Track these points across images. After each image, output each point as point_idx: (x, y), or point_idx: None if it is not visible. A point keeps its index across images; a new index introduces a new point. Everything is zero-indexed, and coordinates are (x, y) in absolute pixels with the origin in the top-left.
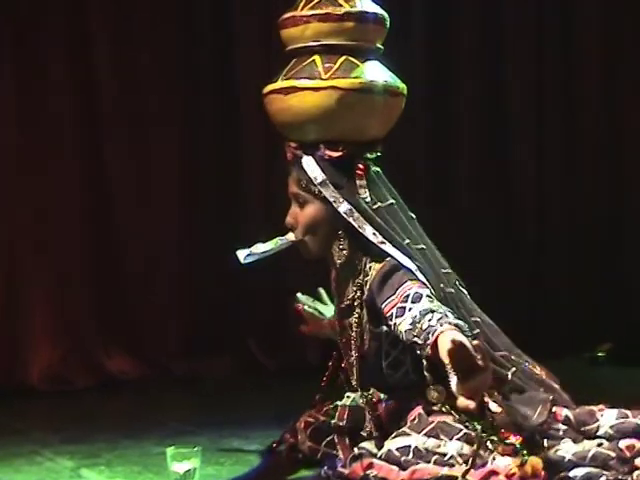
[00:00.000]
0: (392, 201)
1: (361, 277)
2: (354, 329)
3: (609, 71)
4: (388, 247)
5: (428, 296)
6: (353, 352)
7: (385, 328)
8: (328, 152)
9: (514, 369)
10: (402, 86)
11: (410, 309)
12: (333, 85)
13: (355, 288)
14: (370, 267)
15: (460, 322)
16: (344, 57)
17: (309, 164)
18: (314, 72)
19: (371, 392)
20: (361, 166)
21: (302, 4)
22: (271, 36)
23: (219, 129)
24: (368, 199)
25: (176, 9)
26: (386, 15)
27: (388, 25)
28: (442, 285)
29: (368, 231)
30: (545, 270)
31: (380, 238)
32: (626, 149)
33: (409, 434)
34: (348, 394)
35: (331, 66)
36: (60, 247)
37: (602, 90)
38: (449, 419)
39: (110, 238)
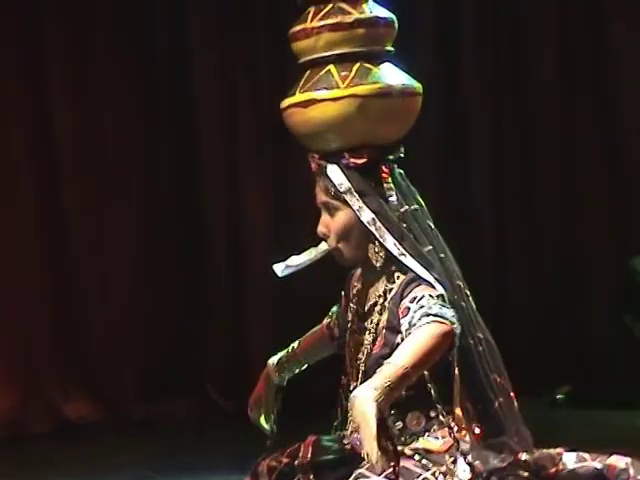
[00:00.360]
0: (417, 206)
1: (388, 283)
2: (370, 332)
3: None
4: (408, 259)
5: (430, 295)
6: (361, 355)
7: (399, 339)
8: (352, 159)
9: (501, 399)
10: (418, 86)
11: (414, 310)
12: (352, 93)
13: (380, 293)
14: (398, 276)
15: (443, 311)
16: (358, 64)
17: (334, 172)
18: (331, 82)
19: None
20: (385, 169)
21: (311, 16)
22: (229, 69)
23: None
24: (396, 202)
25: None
26: (394, 17)
27: (397, 27)
28: (456, 297)
29: (389, 242)
30: (505, 313)
31: (401, 250)
32: (582, 197)
33: (368, 477)
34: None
35: (347, 74)
36: (18, 294)
37: (559, 140)
38: (410, 463)
39: (70, 286)
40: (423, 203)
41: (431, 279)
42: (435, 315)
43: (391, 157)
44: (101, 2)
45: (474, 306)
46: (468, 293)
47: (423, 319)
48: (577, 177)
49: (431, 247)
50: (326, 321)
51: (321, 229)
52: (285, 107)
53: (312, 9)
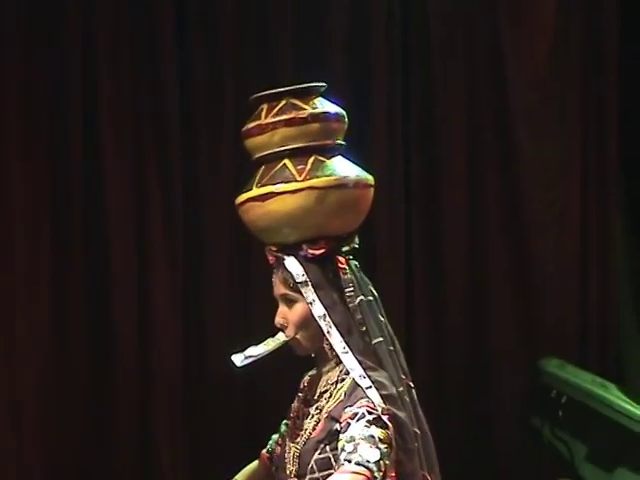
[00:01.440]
0: (371, 297)
1: (341, 374)
2: (313, 417)
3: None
4: (349, 359)
5: (367, 420)
6: (299, 439)
7: (337, 427)
8: (310, 251)
9: None
10: (370, 178)
11: (347, 439)
12: (310, 185)
13: (332, 381)
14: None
15: (368, 455)
16: (313, 157)
17: (292, 264)
18: (288, 176)
19: None
20: (342, 260)
21: (264, 112)
22: (138, 179)
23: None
24: (352, 293)
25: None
26: (344, 112)
27: (346, 121)
28: (401, 389)
29: (335, 338)
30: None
31: (345, 348)
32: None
33: None
34: None
35: (304, 167)
36: None
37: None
38: None
39: None
40: (376, 294)
41: (367, 383)
42: (357, 464)
43: (346, 248)
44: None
45: (416, 399)
46: (412, 385)
47: (345, 464)
48: (485, 279)
49: (382, 339)
50: (265, 451)
51: (278, 320)
52: (242, 202)
53: (265, 106)
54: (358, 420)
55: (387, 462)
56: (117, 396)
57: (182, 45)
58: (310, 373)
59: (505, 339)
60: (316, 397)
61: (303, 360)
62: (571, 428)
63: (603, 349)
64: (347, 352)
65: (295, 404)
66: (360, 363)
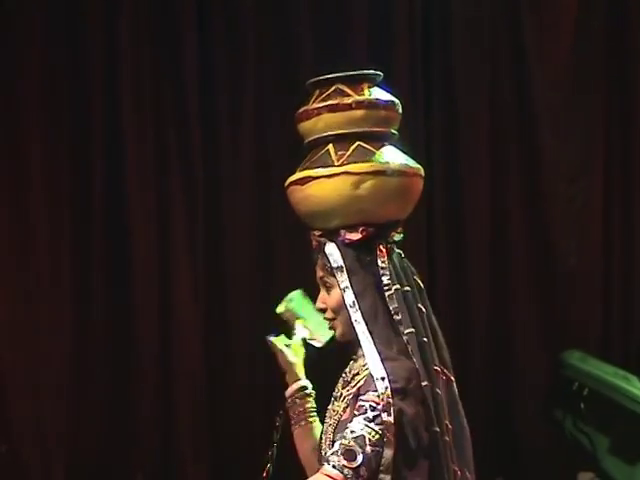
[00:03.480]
0: (408, 288)
1: (363, 366)
2: (345, 399)
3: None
4: (369, 347)
5: (367, 418)
6: (333, 421)
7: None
8: (348, 236)
9: None
10: (417, 167)
11: (342, 435)
12: (346, 170)
13: (362, 364)
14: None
15: (340, 466)
16: (357, 143)
17: (331, 249)
18: (327, 160)
19: None
20: (382, 248)
21: (314, 98)
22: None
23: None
24: (387, 281)
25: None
26: (397, 101)
27: (400, 110)
28: (426, 383)
29: (359, 328)
30: None
31: (367, 337)
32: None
33: None
34: None
35: (344, 153)
36: None
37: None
38: None
39: None
40: (422, 285)
41: (379, 375)
42: (334, 467)
43: (390, 237)
44: None
45: (455, 393)
46: (453, 379)
47: (324, 465)
48: (507, 271)
49: (413, 330)
50: None
51: (319, 304)
52: (287, 185)
53: (317, 91)
54: (359, 415)
55: (372, 465)
56: (138, 383)
57: (201, 28)
58: (353, 356)
59: (527, 331)
60: (349, 379)
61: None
62: (593, 421)
63: (626, 341)
64: (369, 341)
65: (338, 385)
66: (380, 353)
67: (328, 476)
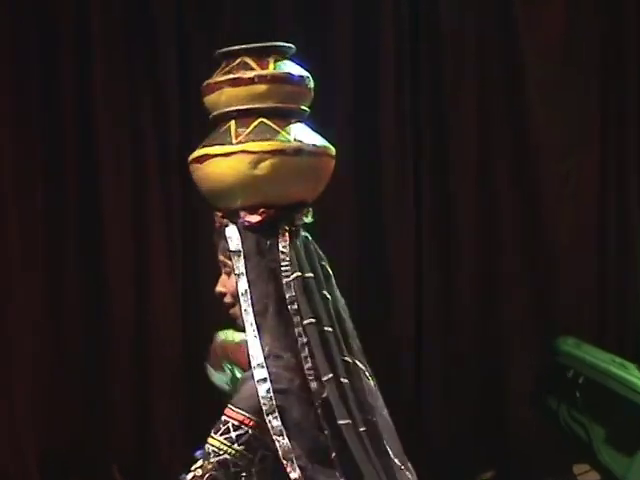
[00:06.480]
0: (311, 274)
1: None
2: None
3: None
4: (254, 343)
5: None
6: None
7: None
8: (247, 218)
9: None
10: (325, 146)
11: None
12: (244, 149)
13: None
14: None
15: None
16: (259, 120)
17: (230, 232)
18: (227, 138)
19: None
20: (285, 231)
21: (218, 71)
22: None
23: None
24: (286, 268)
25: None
26: (307, 75)
27: (311, 86)
28: (331, 375)
29: (247, 319)
30: (423, 396)
31: (254, 330)
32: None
33: None
34: None
35: (243, 130)
36: None
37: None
38: None
39: None
40: (330, 272)
41: (260, 377)
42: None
43: (296, 220)
44: None
45: (367, 383)
46: (364, 368)
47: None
48: (499, 255)
49: (313, 320)
50: None
51: (218, 288)
52: (189, 162)
53: (223, 63)
54: (216, 432)
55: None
56: (114, 368)
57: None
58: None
59: (518, 313)
60: None
61: None
62: (589, 410)
63: (621, 325)
64: (256, 336)
65: None
66: (264, 349)
67: None
